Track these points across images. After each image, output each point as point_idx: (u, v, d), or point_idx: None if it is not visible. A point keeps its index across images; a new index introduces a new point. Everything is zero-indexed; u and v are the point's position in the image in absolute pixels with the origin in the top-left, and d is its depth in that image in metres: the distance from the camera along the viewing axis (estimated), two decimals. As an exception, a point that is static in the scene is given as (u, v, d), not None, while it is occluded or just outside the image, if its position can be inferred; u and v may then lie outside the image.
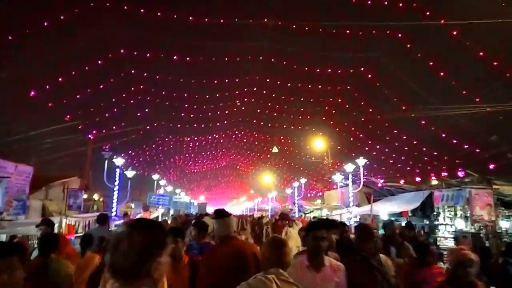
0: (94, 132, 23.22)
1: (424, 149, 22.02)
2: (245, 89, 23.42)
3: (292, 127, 28.98)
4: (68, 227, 12.34)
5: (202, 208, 40.53)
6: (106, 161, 16.43)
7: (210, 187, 59.32)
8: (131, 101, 22.65)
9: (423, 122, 20.16)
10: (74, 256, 5.17)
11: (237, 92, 23.45)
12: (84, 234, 6.45)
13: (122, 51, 18.56)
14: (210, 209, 51.01)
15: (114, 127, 23.84)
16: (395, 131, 22.32)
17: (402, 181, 24.12)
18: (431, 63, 17.50)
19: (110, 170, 17.12)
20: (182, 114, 25.26)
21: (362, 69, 20.45)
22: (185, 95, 22.70)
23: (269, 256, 2.71)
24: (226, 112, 26.01)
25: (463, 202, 13.34)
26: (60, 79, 17.49)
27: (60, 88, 18.87)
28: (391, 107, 20.67)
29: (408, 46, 17.59)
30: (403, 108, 20.25)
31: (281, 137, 32.60)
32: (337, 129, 26.94)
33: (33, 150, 22.01)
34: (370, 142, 25.08)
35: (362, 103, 22.29)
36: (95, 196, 25.60)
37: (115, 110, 22.32)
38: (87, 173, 23.71)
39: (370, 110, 22.21)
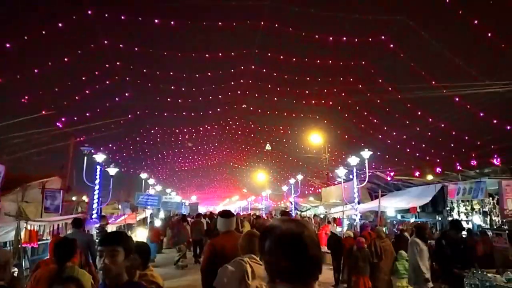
0: (62, 119, 18.81)
1: (453, 133, 18.13)
2: (242, 67, 19.22)
3: (294, 115, 24.84)
4: (30, 233, 10.75)
5: (193, 209, 39.54)
6: (85, 158, 14.80)
7: (202, 186, 55.22)
8: (106, 82, 18.25)
9: (457, 99, 16.27)
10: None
11: (232, 71, 19.22)
12: (68, 239, 5.20)
13: (89, 12, 14.22)
14: (201, 209, 47.89)
15: (87, 114, 19.42)
16: (419, 113, 18.38)
17: (417, 173, 20.88)
18: (475, 22, 13.57)
19: (90, 168, 15.56)
20: (168, 99, 20.95)
21: (382, 37, 16.40)
22: (171, 73, 18.38)
23: (244, 245, 3.44)
24: (220, 96, 21.72)
25: (483, 195, 11.69)
26: (7, 45, 13.07)
27: (13, 62, 14.58)
28: (417, 84, 16.67)
29: (447, 1, 13.63)
30: (433, 83, 16.32)
31: (281, 127, 28.39)
32: (346, 115, 22.90)
33: (3, 146, 18.38)
34: (386, 128, 21.10)
35: (380, 80, 18.27)
36: (85, 198, 22.63)
37: (87, 92, 17.92)
38: (69, 172, 20.44)
39: (390, 88, 18.20)
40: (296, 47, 17.45)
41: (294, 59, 17.85)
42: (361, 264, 7.85)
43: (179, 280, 12.07)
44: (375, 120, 20.87)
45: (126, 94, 20.08)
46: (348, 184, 17.52)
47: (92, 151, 15.72)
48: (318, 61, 18.00)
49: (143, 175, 25.56)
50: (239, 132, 30.98)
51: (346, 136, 25.03)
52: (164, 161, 36.97)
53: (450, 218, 14.58)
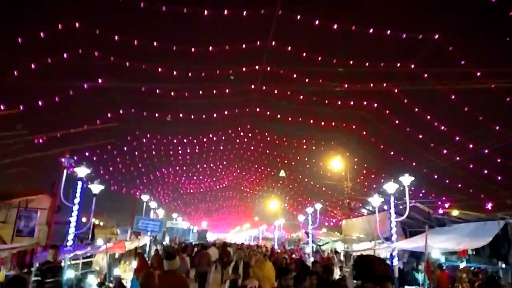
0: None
1: None
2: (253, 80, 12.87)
3: (323, 123, 18.25)
4: None
5: (201, 236, 36.30)
6: (65, 171, 12.00)
7: (210, 211, 48.78)
8: (64, 54, 12.15)
9: None
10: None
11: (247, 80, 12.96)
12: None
13: None
14: (210, 237, 41.69)
15: (43, 105, 13.33)
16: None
17: (489, 205, 15.06)
18: None
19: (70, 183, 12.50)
20: (157, 90, 14.73)
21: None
22: (154, 43, 12.18)
23: None
24: (227, 90, 15.27)
25: None
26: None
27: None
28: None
29: None
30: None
31: (304, 140, 21.71)
32: (394, 123, 16.03)
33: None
34: (458, 137, 14.18)
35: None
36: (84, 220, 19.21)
37: (32, 66, 11.85)
38: (61, 189, 15.75)
39: (478, 74, 11.53)
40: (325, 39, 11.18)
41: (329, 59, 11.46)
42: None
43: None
44: (442, 127, 14.04)
45: (99, 80, 13.86)
46: (380, 216, 14.22)
47: (73, 164, 12.45)
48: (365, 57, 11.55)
49: (145, 197, 21.27)
50: (252, 147, 24.37)
51: (392, 153, 18.12)
52: (165, 181, 30.42)
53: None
